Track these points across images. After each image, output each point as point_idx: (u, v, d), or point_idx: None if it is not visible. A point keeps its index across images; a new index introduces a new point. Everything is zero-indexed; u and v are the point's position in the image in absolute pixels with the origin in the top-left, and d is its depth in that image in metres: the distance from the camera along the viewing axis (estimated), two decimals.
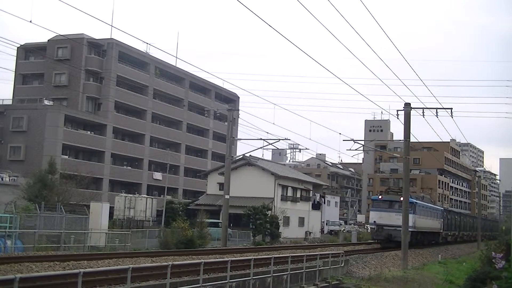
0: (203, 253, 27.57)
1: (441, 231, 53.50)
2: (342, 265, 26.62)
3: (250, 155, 59.82)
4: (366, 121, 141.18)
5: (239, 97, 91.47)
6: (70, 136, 63.62)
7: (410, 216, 38.32)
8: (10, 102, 70.08)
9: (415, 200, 44.31)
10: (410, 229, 37.59)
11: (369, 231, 56.13)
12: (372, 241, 48.39)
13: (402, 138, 35.98)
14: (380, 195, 45.46)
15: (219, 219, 47.79)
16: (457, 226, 65.85)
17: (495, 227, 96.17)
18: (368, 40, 26.68)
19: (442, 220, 53.70)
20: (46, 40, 69.42)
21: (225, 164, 40.93)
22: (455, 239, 64.23)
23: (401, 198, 35.92)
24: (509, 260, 19.20)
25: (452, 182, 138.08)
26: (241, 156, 58.93)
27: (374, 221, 42.13)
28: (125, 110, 73.42)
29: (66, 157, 62.32)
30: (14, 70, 71.79)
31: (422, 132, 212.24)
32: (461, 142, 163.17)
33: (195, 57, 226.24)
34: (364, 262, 31.43)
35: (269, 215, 48.77)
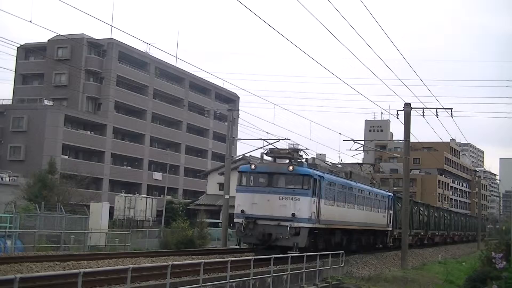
0: (203, 253, 27.55)
1: (388, 228, 37.23)
2: (342, 265, 26.61)
3: (250, 155, 59.78)
4: (366, 121, 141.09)
5: (239, 97, 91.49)
6: (70, 136, 63.64)
7: (303, 200, 24.05)
8: (10, 102, 70.14)
9: (319, 172, 25.90)
10: (300, 223, 23.86)
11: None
12: (236, 246, 30.90)
13: (402, 138, 35.97)
14: (252, 163, 26.04)
15: (219, 219, 47.76)
16: (448, 226, 60.90)
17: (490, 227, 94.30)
18: (368, 40, 26.68)
19: (390, 212, 37.65)
20: (46, 40, 69.44)
21: (225, 164, 40.90)
22: (444, 240, 58.92)
23: (290, 168, 24.11)
24: (509, 260, 19.20)
25: (452, 182, 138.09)
26: (241, 156, 58.92)
27: (242, 211, 24.67)
28: (125, 110, 73.44)
29: (66, 157, 62.38)
30: (14, 70, 71.83)
31: (422, 132, 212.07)
32: (461, 142, 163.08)
33: (195, 57, 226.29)
34: (364, 262, 31.43)
35: None
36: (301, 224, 23.97)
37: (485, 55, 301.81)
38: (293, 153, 26.06)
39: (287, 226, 23.67)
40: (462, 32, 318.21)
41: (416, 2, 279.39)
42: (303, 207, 24.06)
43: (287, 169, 24.47)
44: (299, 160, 25.86)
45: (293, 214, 23.83)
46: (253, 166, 25.30)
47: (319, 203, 25.19)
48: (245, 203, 24.82)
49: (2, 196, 41.20)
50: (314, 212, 24.66)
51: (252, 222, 24.26)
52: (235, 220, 25.34)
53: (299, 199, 24.09)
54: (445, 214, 64.19)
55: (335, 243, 28.33)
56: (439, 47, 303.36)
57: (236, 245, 29.09)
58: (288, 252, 22.09)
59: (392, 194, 39.74)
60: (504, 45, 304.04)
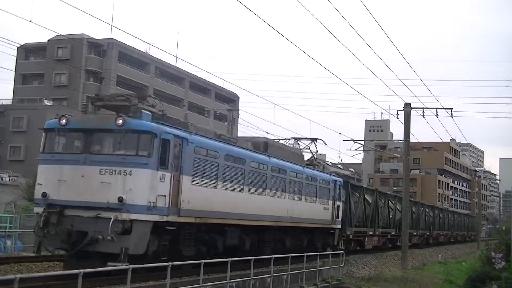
0: None
1: (335, 226, 28.20)
2: (342, 265, 26.60)
3: None
4: (366, 121, 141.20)
5: (239, 97, 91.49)
6: None
7: (139, 173, 15.17)
8: (10, 102, 70.11)
9: (180, 132, 16.70)
10: (132, 214, 14.88)
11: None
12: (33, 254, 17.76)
13: (402, 138, 35.99)
14: (63, 117, 16.55)
15: None
16: (431, 224, 54.72)
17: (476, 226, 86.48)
18: (368, 40, 26.71)
19: (338, 204, 28.61)
20: (46, 40, 69.43)
21: None
22: (425, 241, 52.43)
23: (119, 121, 15.17)
24: (509, 260, 19.21)
25: (452, 182, 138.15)
26: None
27: (44, 194, 15.68)
28: None
29: None
30: (14, 70, 71.81)
31: (422, 132, 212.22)
32: (461, 142, 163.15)
33: (195, 57, 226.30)
34: (364, 262, 31.43)
35: None
36: (134, 216, 14.78)
37: (485, 55, 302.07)
38: (133, 99, 16.25)
39: (110, 219, 14.60)
40: (463, 32, 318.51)
41: (416, 2, 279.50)
42: (138, 186, 14.97)
43: (114, 123, 15.28)
44: (143, 111, 15.90)
45: (121, 199, 14.76)
46: (63, 121, 16.11)
47: (178, 181, 16.05)
48: (49, 181, 15.68)
49: (2, 196, 41.19)
50: (165, 196, 15.55)
51: (57, 213, 15.09)
52: (35, 209, 16.28)
53: (131, 173, 14.96)
54: (449, 215, 64.79)
55: (225, 247, 19.03)
56: (439, 47, 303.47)
57: (33, 252, 16.93)
58: (108, 263, 14.05)
59: (341, 180, 29.76)
60: (504, 45, 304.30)
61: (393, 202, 42.65)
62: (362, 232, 34.87)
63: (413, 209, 47.57)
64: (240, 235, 20.05)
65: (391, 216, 41.29)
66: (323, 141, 29.73)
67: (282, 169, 22.51)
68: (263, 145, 22.28)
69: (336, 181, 28.77)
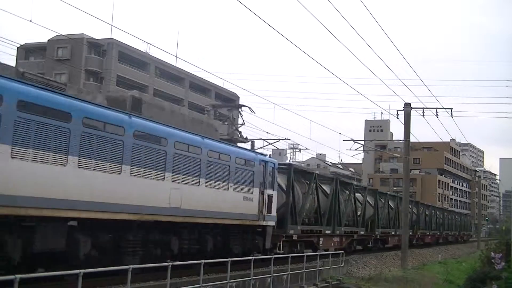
0: None
1: (266, 223, 21.83)
2: (342, 265, 26.61)
3: None
4: (366, 121, 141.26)
5: (239, 97, 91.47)
6: None
7: None
8: None
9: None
10: None
11: None
12: None
13: (402, 138, 35.98)
14: None
15: None
16: (414, 222, 48.28)
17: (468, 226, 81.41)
18: (368, 40, 26.74)
19: (271, 194, 22.28)
20: (46, 40, 69.44)
21: None
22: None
23: None
24: (508, 260, 19.20)
25: (452, 182, 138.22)
26: None
27: None
28: None
29: None
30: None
31: (422, 132, 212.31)
32: (461, 142, 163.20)
33: (195, 57, 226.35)
34: (364, 262, 31.44)
35: None
36: None
37: (485, 55, 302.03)
38: None
39: None
40: (462, 32, 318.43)
41: (416, 2, 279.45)
42: None
43: None
44: None
45: None
46: None
47: None
48: None
49: None
50: None
51: None
52: None
53: None
54: (437, 213, 59.52)
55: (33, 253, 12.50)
56: (439, 47, 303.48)
57: None
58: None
59: (274, 162, 23.07)
60: (505, 45, 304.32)
61: (362, 194, 36.53)
62: (314, 232, 28.08)
63: (390, 203, 42.35)
64: (68, 235, 13.27)
65: (359, 213, 34.91)
66: (249, 108, 24.37)
67: (159, 136, 15.86)
68: (131, 103, 15.71)
69: (267, 162, 21.91)
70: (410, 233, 43.29)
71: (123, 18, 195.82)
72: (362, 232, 35.33)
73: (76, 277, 10.80)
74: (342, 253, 26.71)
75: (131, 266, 12.41)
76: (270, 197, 22.00)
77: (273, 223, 22.38)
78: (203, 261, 15.08)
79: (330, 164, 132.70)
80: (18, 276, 9.37)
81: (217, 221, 18.81)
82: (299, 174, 27.33)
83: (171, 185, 16.17)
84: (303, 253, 24.42)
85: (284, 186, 24.65)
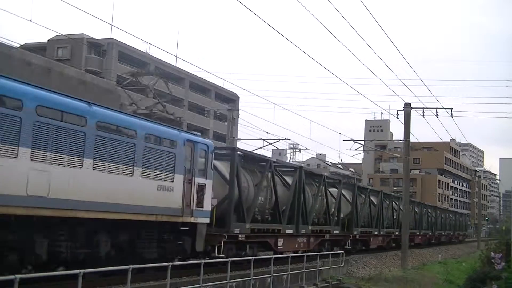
0: None
1: (188, 218, 17.11)
2: (342, 265, 26.61)
3: None
4: (366, 121, 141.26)
5: (239, 97, 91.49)
6: None
7: None
8: None
9: None
10: None
11: None
12: None
13: (402, 138, 35.99)
14: None
15: None
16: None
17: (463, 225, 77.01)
18: (368, 40, 26.74)
19: (205, 182, 17.98)
20: (46, 40, 69.45)
21: None
22: (388, 244, 40.45)
23: None
24: (508, 260, 19.21)
25: (452, 182, 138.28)
26: None
27: None
28: None
29: None
30: None
31: (422, 132, 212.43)
32: (461, 142, 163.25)
33: (195, 57, 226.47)
34: (364, 262, 31.43)
35: None
36: None
37: (485, 55, 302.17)
38: None
39: None
40: (462, 32, 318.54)
41: (416, 2, 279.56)
42: None
43: None
44: None
45: None
46: None
47: None
48: None
49: None
50: None
51: None
52: None
53: None
54: (429, 211, 55.02)
55: None
56: (439, 47, 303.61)
57: None
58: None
59: (208, 143, 18.63)
60: (505, 45, 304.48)
61: (337, 187, 31.51)
62: (269, 230, 23.26)
63: (372, 199, 37.54)
64: None
65: (332, 210, 30.41)
66: (165, 81, 19.09)
67: (11, 98, 11.60)
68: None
69: (196, 143, 17.54)
70: (397, 232, 41.08)
71: (123, 18, 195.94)
72: (336, 232, 30.14)
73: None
74: (342, 253, 26.70)
75: (131, 266, 12.41)
76: (201, 187, 17.59)
77: (205, 220, 17.96)
78: (203, 261, 15.10)
79: (330, 164, 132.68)
80: (18, 276, 9.37)
81: (114, 216, 14.23)
82: (250, 162, 22.98)
83: (31, 165, 11.89)
84: (254, 256, 20.19)
85: (227, 176, 20.65)
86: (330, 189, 30.64)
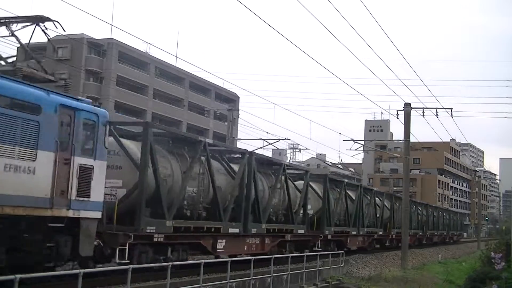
0: None
1: (63, 208, 12.40)
2: (342, 265, 26.62)
3: None
4: (366, 121, 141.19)
5: (239, 97, 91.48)
6: None
7: None
8: None
9: None
10: None
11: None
12: None
13: (402, 138, 36.00)
14: None
15: None
16: (387, 220, 40.32)
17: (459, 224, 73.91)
18: (369, 40, 26.76)
19: (92, 164, 13.36)
20: (46, 40, 69.43)
21: None
22: (370, 245, 37.29)
23: None
24: (509, 260, 19.22)
25: (452, 182, 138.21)
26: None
27: None
28: (125, 110, 73.43)
29: None
30: None
31: (422, 132, 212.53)
32: (461, 142, 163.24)
33: (195, 57, 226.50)
34: (364, 262, 31.44)
35: None
36: None
37: (485, 55, 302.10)
38: None
39: None
40: (463, 32, 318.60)
41: (416, 2, 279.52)
42: None
43: None
44: None
45: None
46: None
47: None
48: None
49: None
50: None
51: None
52: None
53: None
54: (419, 209, 50.40)
55: None
56: (439, 47, 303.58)
57: None
58: None
59: (98, 113, 13.83)
60: (505, 45, 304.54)
61: (304, 179, 26.66)
62: (203, 229, 18.58)
63: (349, 193, 33.04)
64: None
65: (297, 206, 25.96)
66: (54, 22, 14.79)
67: None
68: None
69: (76, 110, 13.19)
70: (380, 232, 38.44)
71: (123, 18, 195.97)
72: (301, 231, 25.75)
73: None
74: (342, 253, 26.70)
75: (131, 266, 12.42)
76: (86, 170, 13.22)
77: (95, 214, 13.53)
78: (203, 261, 15.10)
79: (330, 164, 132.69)
80: (18, 276, 9.36)
81: None
82: (177, 143, 18.69)
83: None
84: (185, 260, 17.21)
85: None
86: (296, 182, 26.41)
